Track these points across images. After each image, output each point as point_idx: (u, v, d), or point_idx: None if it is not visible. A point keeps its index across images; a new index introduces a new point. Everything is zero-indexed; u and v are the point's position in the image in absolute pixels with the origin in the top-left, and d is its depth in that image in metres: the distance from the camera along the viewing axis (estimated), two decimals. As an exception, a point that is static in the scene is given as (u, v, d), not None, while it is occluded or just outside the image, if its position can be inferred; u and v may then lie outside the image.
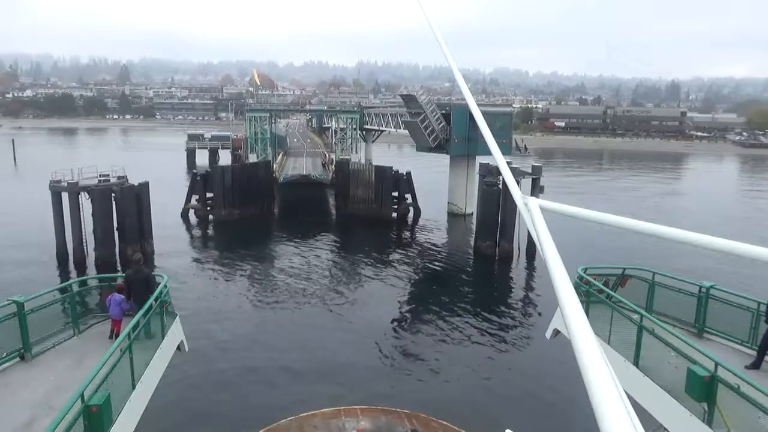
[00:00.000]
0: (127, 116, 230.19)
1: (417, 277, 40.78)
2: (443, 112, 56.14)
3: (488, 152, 5.04)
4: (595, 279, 13.69)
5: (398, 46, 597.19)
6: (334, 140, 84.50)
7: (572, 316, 2.37)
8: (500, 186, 43.13)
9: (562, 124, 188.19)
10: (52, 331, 12.19)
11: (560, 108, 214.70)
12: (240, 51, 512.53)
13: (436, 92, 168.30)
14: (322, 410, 18.34)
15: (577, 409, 19.37)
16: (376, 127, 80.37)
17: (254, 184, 56.91)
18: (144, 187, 41.75)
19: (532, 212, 3.72)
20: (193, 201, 55.54)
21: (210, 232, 53.26)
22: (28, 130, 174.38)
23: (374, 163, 66.51)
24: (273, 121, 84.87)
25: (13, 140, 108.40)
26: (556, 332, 14.09)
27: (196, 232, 52.72)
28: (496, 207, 43.24)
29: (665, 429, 10.05)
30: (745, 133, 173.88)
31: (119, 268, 36.78)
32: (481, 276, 42.17)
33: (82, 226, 38.91)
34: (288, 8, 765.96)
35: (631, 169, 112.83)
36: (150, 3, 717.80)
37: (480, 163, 49.56)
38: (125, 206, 39.73)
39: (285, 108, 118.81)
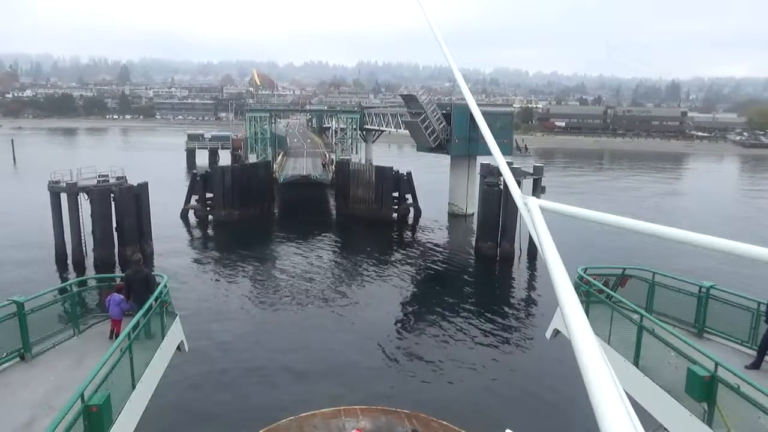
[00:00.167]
0: (127, 116, 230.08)
1: (417, 278, 40.77)
2: (444, 112, 56.07)
3: (489, 152, 5.02)
4: (595, 279, 13.70)
5: (398, 46, 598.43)
6: (334, 140, 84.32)
7: (572, 316, 2.36)
8: (501, 186, 43.02)
9: (563, 124, 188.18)
10: (52, 331, 12.19)
11: (560, 108, 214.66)
12: (240, 51, 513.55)
13: (436, 92, 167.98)
14: (322, 410, 18.34)
15: (577, 409, 19.38)
16: (376, 127, 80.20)
17: (254, 185, 56.82)
18: (143, 187, 41.68)
19: (531, 212, 3.72)
20: (193, 201, 55.48)
21: (210, 232, 53.23)
22: (27, 130, 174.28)
23: (374, 163, 66.31)
24: (273, 121, 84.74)
25: (12, 140, 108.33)
26: (557, 332, 14.10)
27: (196, 233, 52.67)
28: (497, 207, 43.17)
29: (665, 429, 10.05)
30: (745, 133, 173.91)
31: (118, 269, 36.78)
32: (482, 276, 42.15)
33: (81, 227, 38.85)
34: (288, 8, 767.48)
35: (631, 169, 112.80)
36: (150, 3, 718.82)
37: (481, 164, 49.48)
38: (124, 207, 39.68)
39: (285, 108, 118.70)
